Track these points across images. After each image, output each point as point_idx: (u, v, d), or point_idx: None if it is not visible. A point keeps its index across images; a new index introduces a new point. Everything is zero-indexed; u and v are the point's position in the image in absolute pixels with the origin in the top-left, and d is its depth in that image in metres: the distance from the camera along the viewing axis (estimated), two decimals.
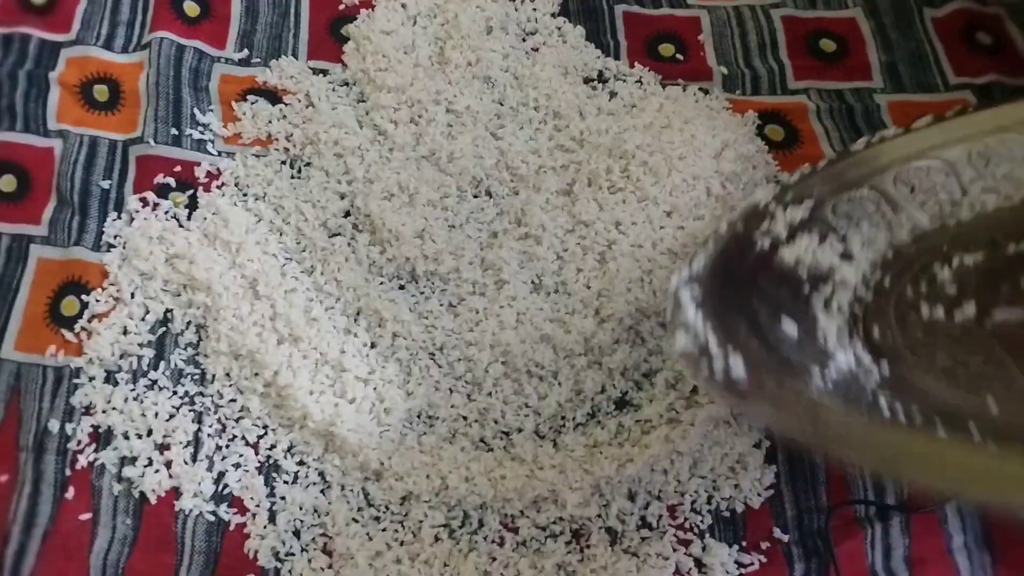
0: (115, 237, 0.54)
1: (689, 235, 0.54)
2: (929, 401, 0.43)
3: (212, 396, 0.50)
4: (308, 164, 0.57)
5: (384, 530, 0.47)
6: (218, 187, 0.56)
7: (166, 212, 0.55)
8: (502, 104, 0.60)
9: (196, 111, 0.58)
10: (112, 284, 0.52)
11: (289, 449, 0.49)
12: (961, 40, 0.65)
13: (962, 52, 0.64)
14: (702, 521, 0.48)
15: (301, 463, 0.49)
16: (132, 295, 0.52)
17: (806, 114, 0.61)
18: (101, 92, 0.58)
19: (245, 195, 0.56)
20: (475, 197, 0.57)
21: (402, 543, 0.47)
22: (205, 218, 0.54)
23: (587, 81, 0.61)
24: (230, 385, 0.50)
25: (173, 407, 0.49)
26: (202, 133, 0.58)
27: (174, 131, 0.57)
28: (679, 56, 0.64)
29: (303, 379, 0.49)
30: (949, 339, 0.46)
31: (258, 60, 0.61)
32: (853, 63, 0.64)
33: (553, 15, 0.64)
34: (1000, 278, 0.48)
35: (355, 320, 0.52)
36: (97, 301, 0.52)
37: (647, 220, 0.54)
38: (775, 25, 0.65)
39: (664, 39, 0.64)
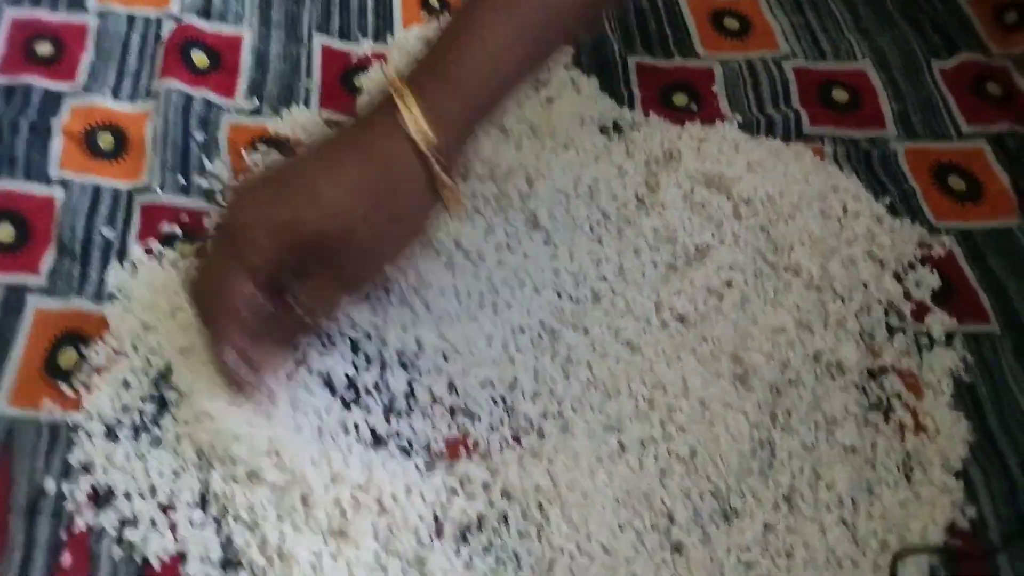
0: (117, 288, 0.51)
1: None
2: None
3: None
4: None
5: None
6: None
7: (172, 262, 0.53)
8: (519, 150, 0.59)
9: (204, 160, 0.57)
10: (113, 336, 0.50)
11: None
12: (970, 90, 0.65)
13: (973, 102, 0.64)
14: None
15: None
16: (135, 347, 0.49)
17: (822, 158, 0.61)
18: (106, 140, 0.57)
19: None
20: None
21: None
22: None
23: (603, 131, 0.61)
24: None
25: (179, 465, 0.46)
26: (210, 183, 0.56)
27: (181, 180, 0.56)
28: (693, 106, 0.63)
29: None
30: None
31: (268, 110, 0.60)
32: (866, 112, 0.64)
33: (566, 67, 0.64)
34: None
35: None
36: (97, 354, 0.49)
37: None
38: (787, 76, 0.65)
39: (678, 89, 0.64)
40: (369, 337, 0.51)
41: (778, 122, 0.62)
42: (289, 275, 0.44)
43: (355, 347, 0.51)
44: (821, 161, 0.60)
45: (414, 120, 0.42)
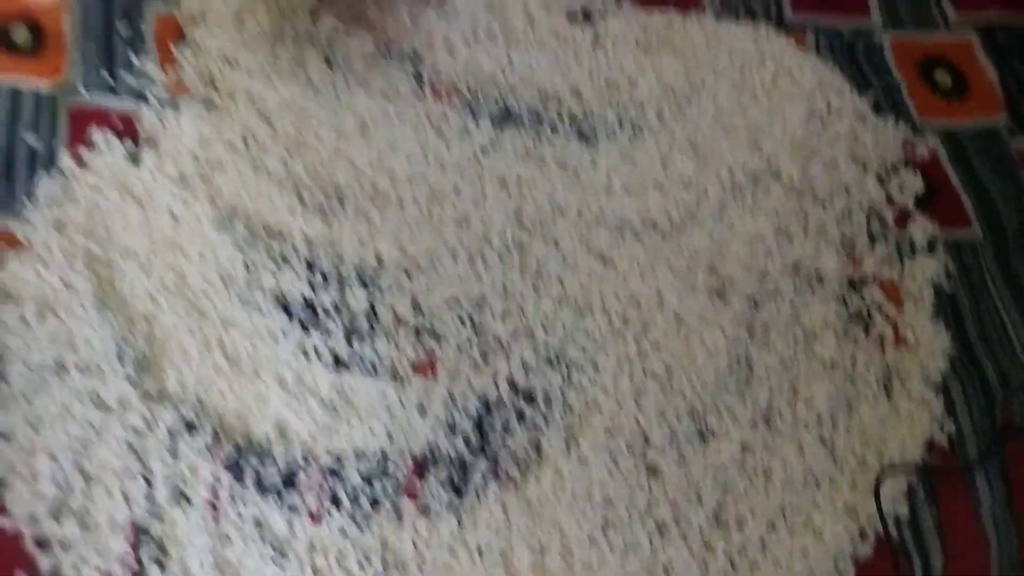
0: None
1: None
2: None
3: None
4: None
5: None
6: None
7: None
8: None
9: (131, 55, 0.51)
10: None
11: None
12: None
13: None
14: None
15: None
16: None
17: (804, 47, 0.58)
18: (22, 35, 0.51)
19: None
20: None
21: None
22: None
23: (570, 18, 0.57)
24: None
25: None
26: (139, 82, 0.51)
27: (108, 78, 0.50)
28: None
29: None
30: None
31: None
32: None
33: None
34: None
35: None
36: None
37: None
38: None
39: None
40: (324, 252, 0.47)
41: (758, 8, 0.59)
42: None
43: (310, 265, 0.47)
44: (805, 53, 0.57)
45: None
